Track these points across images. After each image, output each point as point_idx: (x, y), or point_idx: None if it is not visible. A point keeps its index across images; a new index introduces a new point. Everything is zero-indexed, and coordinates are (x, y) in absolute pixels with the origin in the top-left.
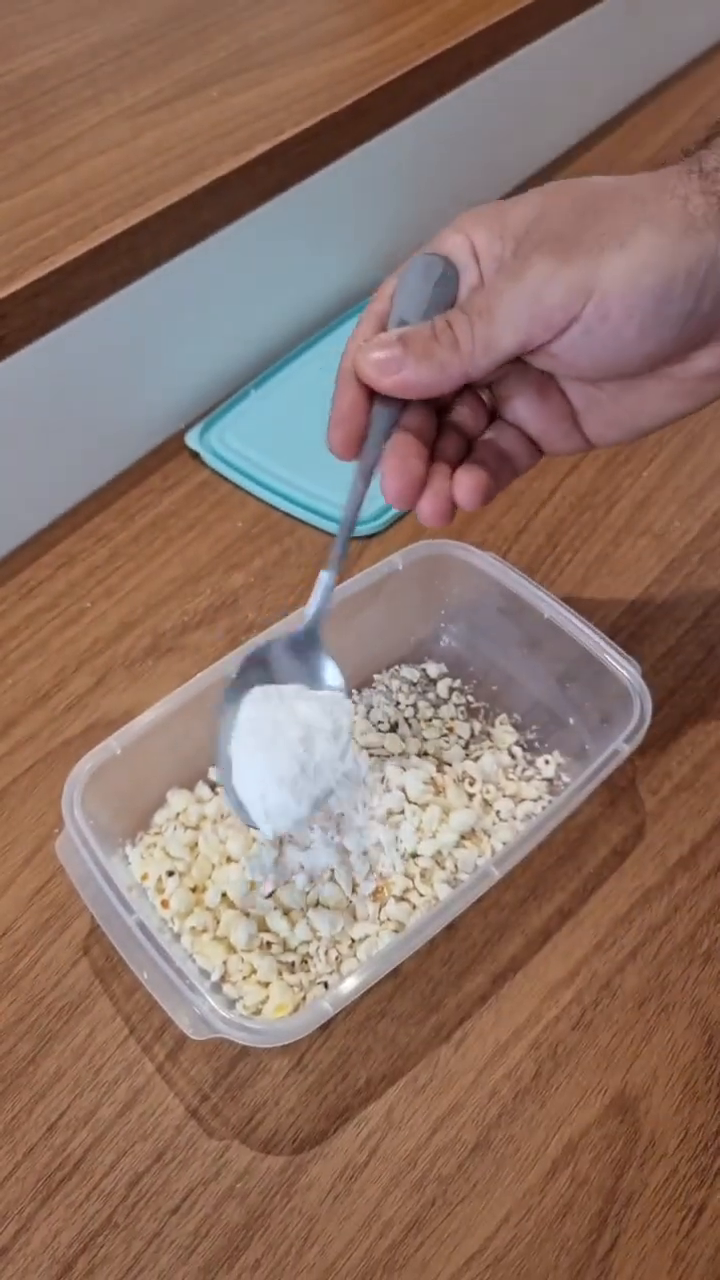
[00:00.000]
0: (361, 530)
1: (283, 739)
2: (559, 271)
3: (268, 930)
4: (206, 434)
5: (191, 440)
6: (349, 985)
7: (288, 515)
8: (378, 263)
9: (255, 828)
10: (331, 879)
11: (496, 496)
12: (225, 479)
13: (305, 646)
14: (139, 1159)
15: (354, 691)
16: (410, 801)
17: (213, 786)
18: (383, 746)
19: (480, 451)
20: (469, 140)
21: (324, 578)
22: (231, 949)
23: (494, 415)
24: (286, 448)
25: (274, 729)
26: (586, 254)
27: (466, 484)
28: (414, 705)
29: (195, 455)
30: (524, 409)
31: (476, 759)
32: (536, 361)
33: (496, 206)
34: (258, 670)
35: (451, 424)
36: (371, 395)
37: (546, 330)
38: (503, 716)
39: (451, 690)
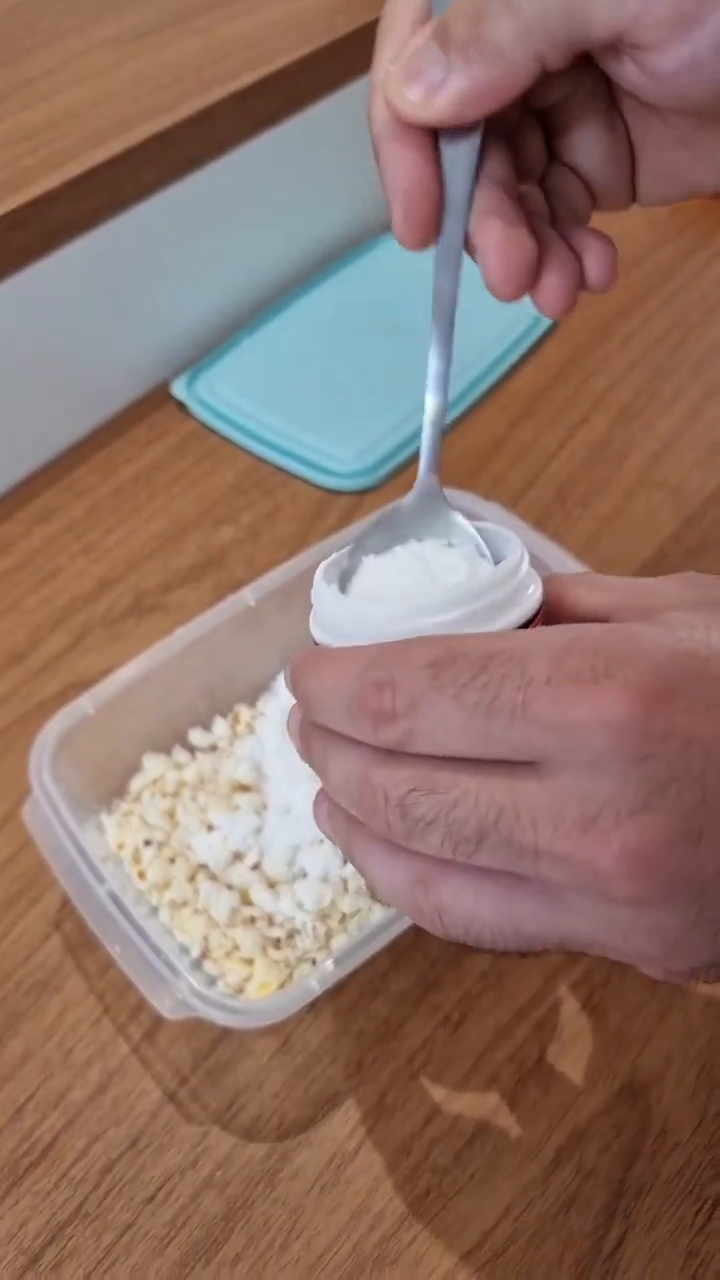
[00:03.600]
0: (352, 485)
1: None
2: None
3: (250, 903)
4: (194, 383)
5: (178, 390)
6: (337, 963)
7: (279, 469)
8: (378, 204)
9: None
10: (319, 848)
11: (501, 446)
12: (214, 430)
13: (421, 513)
14: (112, 1145)
15: None
16: None
17: (191, 751)
18: None
19: (558, 206)
20: None
21: (430, 413)
22: (212, 923)
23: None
24: (280, 398)
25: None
26: None
27: (599, 251)
28: None
29: (182, 406)
30: (586, 142)
31: None
32: (619, 73)
33: None
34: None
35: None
36: (433, 146)
37: (661, 26)
38: None
39: None
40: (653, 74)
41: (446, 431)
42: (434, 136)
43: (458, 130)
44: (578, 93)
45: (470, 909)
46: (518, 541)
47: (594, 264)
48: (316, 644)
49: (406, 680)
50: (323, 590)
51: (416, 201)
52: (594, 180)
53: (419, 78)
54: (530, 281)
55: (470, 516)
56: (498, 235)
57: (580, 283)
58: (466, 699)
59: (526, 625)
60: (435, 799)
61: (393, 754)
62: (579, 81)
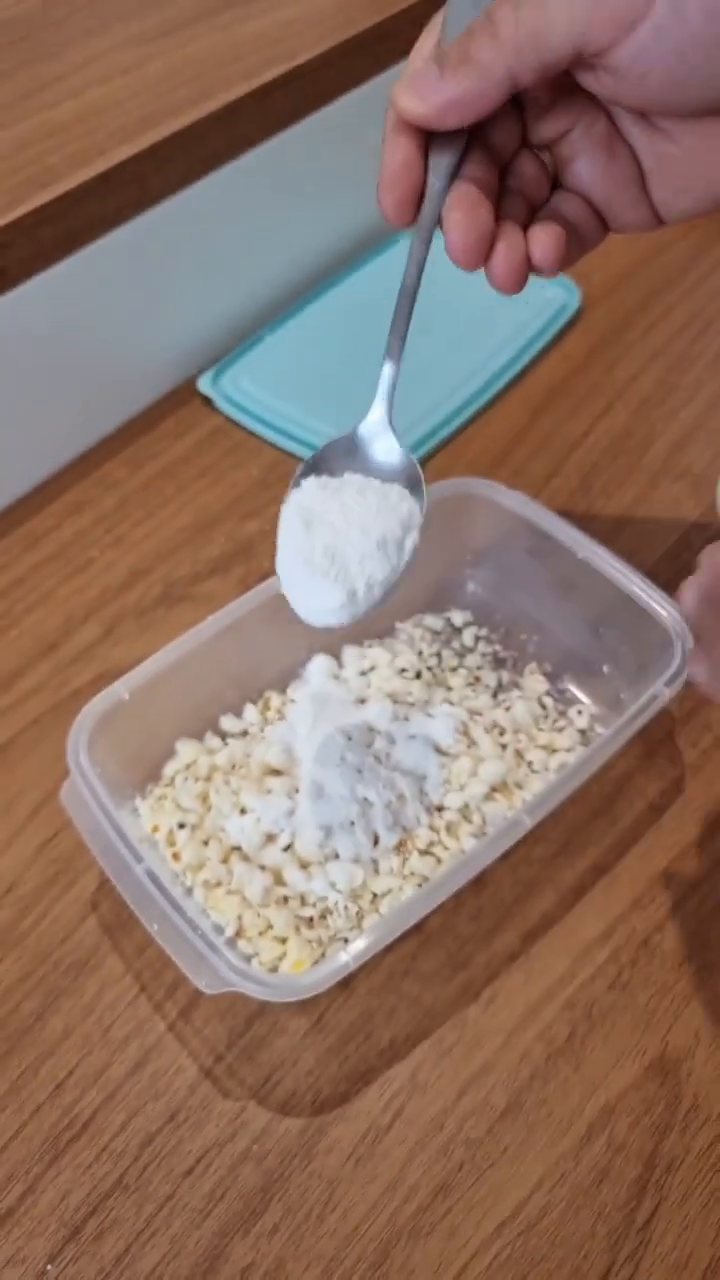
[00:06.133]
0: None
1: (320, 525)
2: None
3: (283, 884)
4: (220, 379)
5: (204, 385)
6: (368, 939)
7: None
8: None
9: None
10: (351, 830)
11: (523, 437)
12: (239, 425)
13: (369, 442)
14: (151, 1119)
15: (376, 641)
16: (440, 751)
17: (223, 737)
18: (409, 694)
19: (548, 216)
20: None
21: (386, 370)
22: (246, 903)
23: (555, 185)
24: (303, 392)
25: (311, 515)
26: None
27: (544, 239)
28: (438, 655)
29: (208, 401)
30: (588, 170)
31: (507, 709)
32: (595, 83)
33: None
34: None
35: (512, 189)
36: (425, 147)
37: (609, 28)
38: (532, 665)
39: (477, 639)
40: (617, 71)
41: (468, 423)
42: (427, 140)
43: (444, 136)
44: (575, 128)
45: None
46: None
47: (537, 247)
48: None
49: None
50: None
51: (399, 181)
52: (601, 203)
53: (417, 87)
54: (482, 254)
55: (493, 505)
56: (462, 212)
57: (525, 266)
58: None
59: None
60: None
61: None
62: (574, 118)
